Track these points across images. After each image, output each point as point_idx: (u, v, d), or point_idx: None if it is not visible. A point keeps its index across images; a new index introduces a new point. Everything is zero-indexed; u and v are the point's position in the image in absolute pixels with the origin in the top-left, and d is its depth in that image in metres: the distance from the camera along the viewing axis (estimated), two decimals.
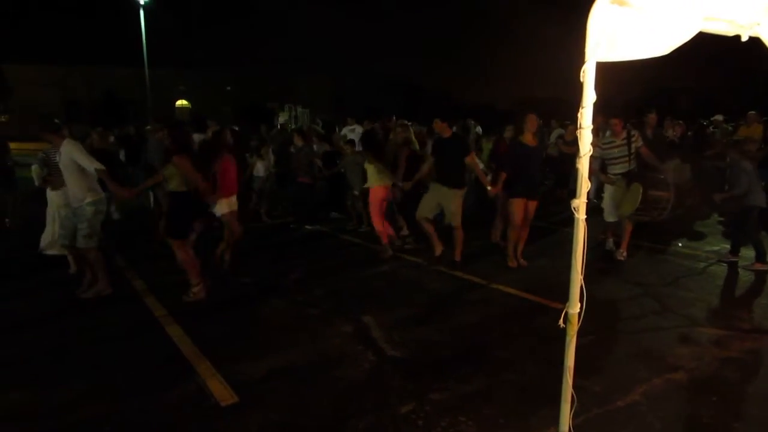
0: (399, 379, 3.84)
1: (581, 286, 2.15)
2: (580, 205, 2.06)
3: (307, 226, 9.04)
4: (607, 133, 7.11)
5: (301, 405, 3.51)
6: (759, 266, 6.17)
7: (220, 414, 3.41)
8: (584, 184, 2.05)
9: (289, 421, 3.32)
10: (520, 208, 6.33)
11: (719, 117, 13.07)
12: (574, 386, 2.35)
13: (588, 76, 2.04)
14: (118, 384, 3.83)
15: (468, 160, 6.46)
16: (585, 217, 2.10)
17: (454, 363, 4.07)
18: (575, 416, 3.06)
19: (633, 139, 6.58)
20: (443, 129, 6.51)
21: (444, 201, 6.49)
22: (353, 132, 11.89)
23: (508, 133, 8.39)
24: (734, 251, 6.50)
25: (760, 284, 5.79)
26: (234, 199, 6.53)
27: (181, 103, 49.27)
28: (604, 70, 2.34)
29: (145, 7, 30.05)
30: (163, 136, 8.08)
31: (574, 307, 2.18)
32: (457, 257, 6.61)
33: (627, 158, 6.60)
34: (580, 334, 2.38)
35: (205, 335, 4.61)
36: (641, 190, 6.09)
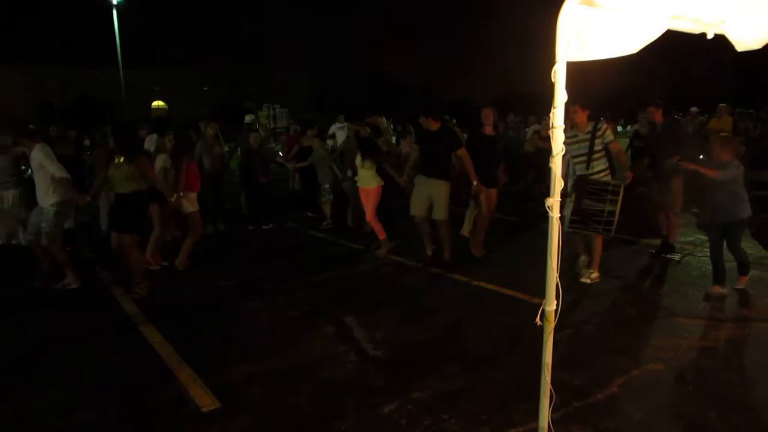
0: (382, 378, 3.85)
1: (557, 284, 2.18)
2: (553, 203, 2.08)
3: (264, 227, 9.03)
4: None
5: (283, 408, 3.50)
6: (718, 289, 5.22)
7: (201, 420, 3.38)
8: (557, 183, 2.08)
9: (272, 424, 3.31)
10: (484, 194, 6.65)
11: (694, 109, 13.31)
12: (555, 380, 2.38)
13: (559, 76, 2.06)
14: (96, 391, 3.78)
15: (460, 152, 6.47)
16: (559, 215, 2.12)
17: (436, 361, 4.09)
18: (556, 410, 3.11)
19: (599, 133, 5.58)
20: (429, 123, 6.57)
21: (432, 192, 6.48)
22: (342, 129, 11.97)
23: (487, 129, 8.44)
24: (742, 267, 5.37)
25: (734, 274, 5.90)
26: (195, 197, 6.76)
27: (157, 103, 48.58)
28: (580, 65, 2.37)
29: (117, 6, 29.57)
30: (146, 135, 8.07)
31: (551, 305, 2.21)
32: (447, 256, 6.62)
33: (586, 156, 5.62)
34: (560, 328, 2.42)
35: (185, 340, 4.57)
36: (573, 199, 5.40)
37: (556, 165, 2.08)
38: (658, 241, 6.94)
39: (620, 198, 5.09)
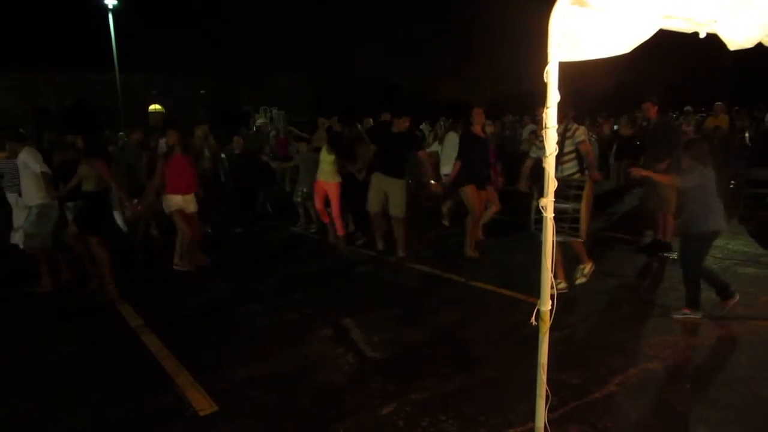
0: (380, 380, 3.84)
1: (552, 284, 2.18)
2: (548, 203, 2.09)
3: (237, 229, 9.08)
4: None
5: (281, 411, 3.49)
6: (688, 312, 4.70)
7: (199, 424, 3.38)
8: (551, 183, 2.08)
9: (269, 427, 3.31)
10: (474, 194, 6.58)
11: (688, 108, 13.33)
12: (553, 380, 2.39)
13: (551, 76, 2.06)
14: (94, 396, 3.78)
15: (421, 153, 7.04)
16: (554, 215, 2.13)
17: (434, 362, 4.09)
18: (554, 409, 3.12)
19: (569, 134, 5.37)
20: (400, 124, 6.84)
21: (388, 190, 6.76)
22: None
23: (489, 128, 8.48)
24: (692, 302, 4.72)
25: (730, 272, 5.92)
26: (184, 198, 6.41)
27: (154, 107, 48.51)
28: (576, 64, 2.37)
29: (113, 11, 29.54)
30: (140, 138, 8.11)
31: (546, 305, 2.21)
32: (401, 252, 6.84)
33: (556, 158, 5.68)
34: (557, 327, 2.41)
35: (182, 344, 4.56)
36: (535, 198, 5.18)
37: (550, 165, 2.08)
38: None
39: (586, 194, 4.80)
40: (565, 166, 5.40)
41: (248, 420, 3.39)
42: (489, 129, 8.57)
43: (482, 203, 6.87)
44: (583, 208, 4.78)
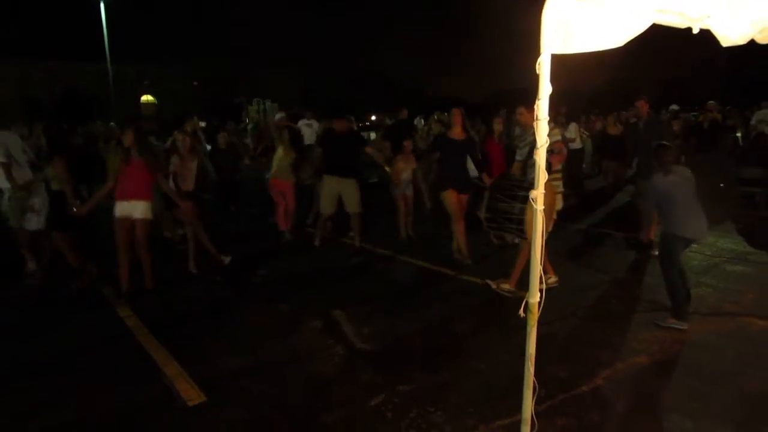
0: (369, 372, 3.85)
1: (541, 276, 2.19)
2: (538, 196, 2.09)
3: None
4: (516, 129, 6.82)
5: (270, 401, 3.49)
6: (673, 322, 4.45)
7: (188, 414, 3.37)
8: (542, 176, 2.08)
9: (258, 418, 3.30)
10: (452, 200, 6.31)
11: (675, 107, 13.39)
12: (541, 373, 2.40)
13: (543, 68, 2.06)
14: (81, 386, 3.76)
15: (367, 150, 7.27)
16: (543, 208, 2.13)
17: (423, 354, 4.10)
18: (542, 401, 3.14)
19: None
20: (341, 125, 7.05)
21: (341, 190, 6.92)
22: (310, 127, 11.82)
23: (498, 126, 8.18)
24: (676, 312, 4.50)
25: (719, 269, 5.97)
26: (130, 204, 5.59)
27: (146, 98, 48.17)
28: (568, 61, 2.37)
29: (105, 1, 29.25)
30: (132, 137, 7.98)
31: (534, 297, 2.22)
32: (357, 243, 7.05)
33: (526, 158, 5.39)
34: (547, 321, 2.43)
35: (172, 334, 4.55)
36: (487, 196, 5.09)
37: (541, 157, 2.08)
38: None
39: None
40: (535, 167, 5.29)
41: (237, 410, 3.39)
42: (497, 127, 8.07)
43: (463, 208, 6.46)
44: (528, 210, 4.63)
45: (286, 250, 7.41)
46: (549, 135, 5.09)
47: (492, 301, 5.19)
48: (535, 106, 2.08)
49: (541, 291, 2.22)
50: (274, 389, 3.64)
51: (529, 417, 2.27)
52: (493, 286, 5.29)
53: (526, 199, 4.68)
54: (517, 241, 5.22)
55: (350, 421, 3.24)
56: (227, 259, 6.49)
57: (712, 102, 12.29)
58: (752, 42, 2.59)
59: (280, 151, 7.65)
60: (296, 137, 8.07)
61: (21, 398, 3.64)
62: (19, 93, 42.33)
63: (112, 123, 17.70)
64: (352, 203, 6.94)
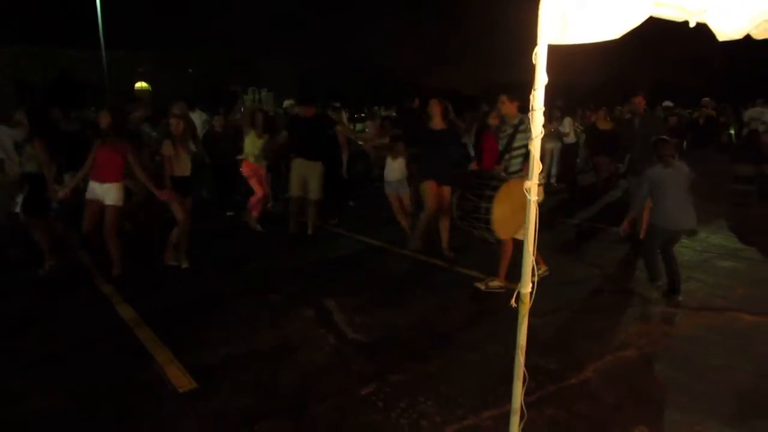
0: (360, 361, 3.86)
1: (533, 267, 2.19)
2: (531, 186, 2.09)
3: (228, 213, 8.96)
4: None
5: (261, 390, 3.49)
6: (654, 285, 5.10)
7: (178, 400, 3.37)
8: (536, 166, 2.08)
9: (248, 406, 3.30)
10: (430, 191, 6.25)
11: (668, 103, 13.39)
12: (531, 365, 2.41)
13: (540, 58, 2.05)
14: (71, 372, 3.75)
15: (338, 128, 7.55)
16: (537, 198, 2.13)
17: (414, 345, 4.11)
18: (531, 393, 3.15)
19: (522, 128, 5.02)
20: (306, 110, 7.31)
21: (307, 173, 7.15)
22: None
23: (494, 120, 8.06)
24: (651, 275, 5.16)
25: (709, 265, 6.01)
26: (101, 187, 5.62)
27: (141, 85, 47.72)
28: (564, 55, 2.36)
29: None
30: (142, 116, 7.83)
31: (526, 287, 2.22)
32: (310, 230, 7.36)
33: (504, 152, 5.22)
34: (538, 314, 2.43)
35: (163, 323, 4.54)
36: (457, 194, 5.05)
37: (535, 148, 2.08)
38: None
39: (497, 197, 4.59)
40: (513, 161, 5.12)
41: (227, 398, 3.39)
42: (493, 122, 7.88)
43: (445, 200, 6.28)
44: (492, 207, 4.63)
45: (278, 240, 7.39)
46: (527, 131, 4.89)
47: (484, 293, 5.21)
48: (531, 97, 2.07)
49: (532, 282, 2.22)
50: (265, 377, 3.64)
51: (519, 407, 2.28)
52: (483, 287, 5.23)
53: (491, 199, 4.61)
54: (492, 240, 5.18)
55: (341, 409, 3.25)
56: (184, 264, 6.06)
57: (707, 99, 12.33)
58: (745, 40, 2.59)
59: (253, 136, 7.69)
60: (269, 122, 8.04)
61: (10, 383, 3.63)
62: (10, 78, 41.87)
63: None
64: (313, 188, 7.20)
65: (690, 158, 9.31)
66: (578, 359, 3.81)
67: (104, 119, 5.87)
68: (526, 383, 2.28)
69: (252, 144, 7.71)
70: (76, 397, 3.42)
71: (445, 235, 6.41)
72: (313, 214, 7.38)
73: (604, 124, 10.85)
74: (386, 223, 7.62)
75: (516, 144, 5.08)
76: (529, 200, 2.11)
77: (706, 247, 6.63)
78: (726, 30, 2.51)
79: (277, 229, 7.71)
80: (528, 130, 4.83)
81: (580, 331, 4.36)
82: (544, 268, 5.27)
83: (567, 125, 11.44)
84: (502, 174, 5.13)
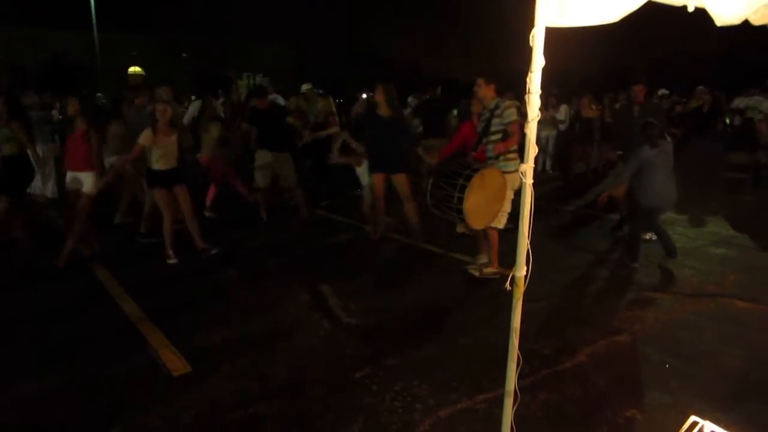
0: (354, 345, 3.87)
1: (528, 250, 2.19)
2: (527, 169, 2.08)
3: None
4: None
5: (255, 373, 3.50)
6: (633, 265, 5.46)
7: (173, 384, 3.38)
8: (532, 149, 2.07)
9: (243, 389, 3.31)
10: (377, 182, 6.23)
11: (664, 91, 13.33)
12: (525, 349, 2.43)
13: (537, 40, 2.03)
14: (66, 355, 3.74)
15: (289, 120, 7.49)
16: (533, 181, 2.12)
17: (409, 329, 4.13)
18: (525, 377, 3.18)
19: (497, 112, 4.93)
20: (261, 103, 7.39)
21: (276, 164, 7.24)
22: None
23: (477, 106, 7.98)
24: (631, 255, 5.49)
25: (702, 252, 6.05)
26: (77, 176, 5.64)
27: (134, 69, 47.28)
28: (559, 43, 2.33)
29: None
30: (145, 102, 7.67)
31: (521, 270, 2.22)
32: (305, 213, 7.50)
33: (482, 137, 5.13)
34: (532, 299, 2.44)
35: (157, 306, 4.53)
36: (430, 182, 4.97)
37: (531, 131, 2.07)
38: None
39: (470, 186, 4.49)
40: (490, 147, 5.00)
41: (222, 381, 3.39)
42: (476, 108, 7.66)
43: (402, 187, 6.28)
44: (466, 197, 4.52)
45: (275, 226, 7.38)
46: (503, 116, 4.91)
47: (479, 279, 5.22)
48: (528, 79, 2.05)
49: (527, 264, 2.23)
50: (259, 361, 3.65)
51: (513, 389, 2.29)
52: (477, 274, 5.23)
53: (464, 189, 4.54)
54: (501, 227, 5.16)
55: (335, 393, 3.26)
56: (172, 260, 5.73)
57: (701, 87, 12.29)
58: (741, 26, 2.58)
59: (213, 128, 7.60)
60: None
61: (3, 366, 3.63)
62: (3, 62, 41.36)
63: (99, 94, 17.38)
64: (287, 177, 7.35)
65: (692, 148, 9.36)
66: (571, 344, 3.83)
67: (72, 107, 5.73)
68: (520, 366, 2.29)
69: (210, 137, 7.57)
70: (71, 380, 3.42)
71: (415, 218, 6.31)
72: (299, 198, 7.47)
73: (588, 112, 10.71)
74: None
75: (493, 129, 4.97)
76: (524, 183, 2.11)
77: (700, 235, 6.67)
78: (724, 15, 2.49)
79: (272, 215, 7.68)
80: (503, 115, 4.88)
81: (574, 316, 4.39)
82: (495, 269, 5.18)
83: (563, 113, 11.41)
84: (477, 163, 4.97)
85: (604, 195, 5.63)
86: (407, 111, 12.44)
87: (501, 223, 5.06)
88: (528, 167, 2.08)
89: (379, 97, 6.14)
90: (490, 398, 3.15)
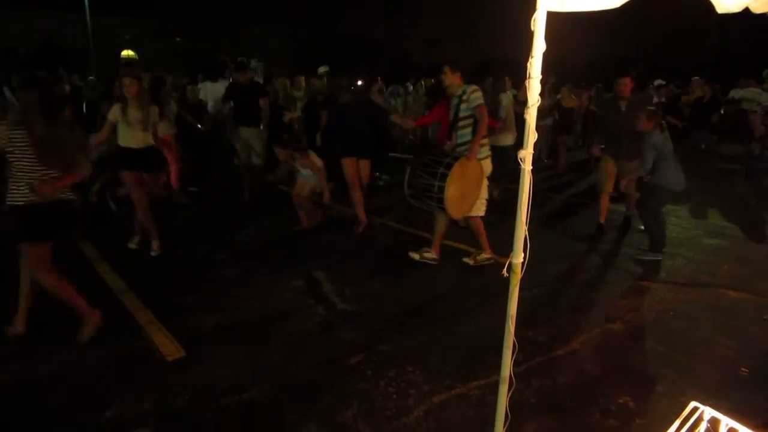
0: (349, 331, 3.87)
1: (525, 237, 2.18)
2: (526, 155, 2.07)
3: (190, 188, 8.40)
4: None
5: (249, 358, 3.50)
6: (652, 256, 5.36)
7: (166, 368, 3.37)
8: (531, 135, 2.05)
9: (236, 373, 3.31)
10: (348, 167, 6.22)
11: (660, 81, 13.29)
12: (519, 337, 2.42)
13: (538, 24, 2.01)
14: (58, 340, 3.72)
15: (262, 101, 7.37)
16: (531, 168, 2.11)
17: (403, 316, 4.13)
18: (519, 364, 3.17)
19: (464, 97, 4.92)
20: (240, 77, 7.48)
21: (249, 139, 7.39)
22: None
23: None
24: (655, 247, 5.39)
25: (695, 242, 6.07)
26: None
27: (127, 53, 46.69)
28: (556, 30, 2.30)
29: None
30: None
31: (518, 257, 2.22)
32: (246, 197, 7.62)
33: (450, 124, 5.13)
34: (526, 287, 2.44)
35: (151, 292, 4.50)
36: (408, 170, 4.95)
37: (531, 117, 2.05)
38: (623, 209, 7.00)
39: (451, 174, 4.52)
40: (461, 132, 4.98)
41: (215, 366, 3.39)
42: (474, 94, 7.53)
43: (365, 174, 6.45)
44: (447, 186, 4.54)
45: (267, 212, 7.34)
46: (469, 100, 4.89)
47: (473, 266, 5.22)
48: (528, 64, 2.03)
49: (525, 251, 2.22)
50: (253, 346, 3.65)
51: (508, 375, 2.29)
52: (471, 262, 5.22)
53: (444, 177, 4.56)
54: (482, 214, 5.16)
55: (329, 378, 3.26)
56: (156, 250, 5.46)
57: (696, 78, 12.28)
58: (740, 15, 2.55)
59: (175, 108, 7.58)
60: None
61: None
62: None
63: (91, 77, 17.15)
64: (255, 154, 7.45)
65: (692, 139, 9.34)
66: (565, 332, 3.85)
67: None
68: (515, 354, 2.29)
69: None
70: (64, 364, 3.40)
71: (359, 208, 6.38)
72: (251, 178, 7.63)
73: (568, 102, 10.56)
74: (373, 197, 7.59)
75: (462, 114, 4.97)
76: (523, 170, 2.09)
77: (693, 225, 6.70)
78: (725, 2, 2.47)
79: (268, 200, 7.65)
80: (470, 99, 4.90)
81: (568, 304, 4.41)
82: (488, 255, 5.22)
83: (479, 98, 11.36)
84: (454, 150, 5.00)
85: (626, 180, 5.70)
86: (407, 97, 12.32)
87: (481, 210, 5.09)
88: (527, 153, 2.06)
89: (340, 84, 6.43)
90: (483, 384, 3.17)
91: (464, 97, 4.93)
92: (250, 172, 7.71)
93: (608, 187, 6.17)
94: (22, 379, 3.26)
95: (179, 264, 5.27)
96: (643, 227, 5.74)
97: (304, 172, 6.34)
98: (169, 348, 3.58)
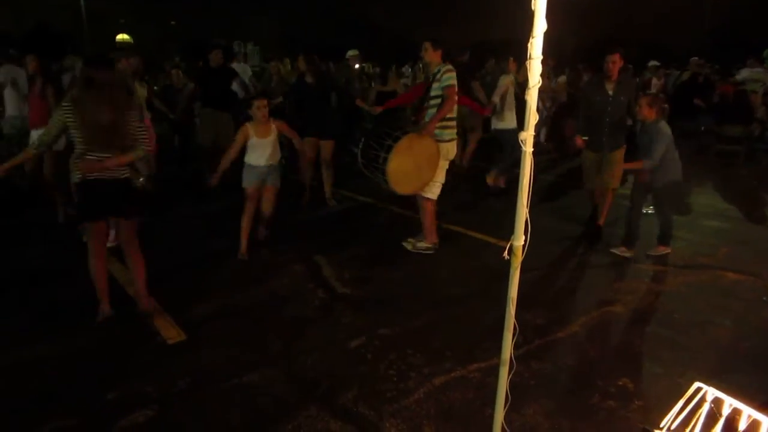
0: (349, 315, 3.88)
1: (526, 219, 2.17)
2: (527, 137, 2.04)
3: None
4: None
5: (250, 342, 3.50)
6: (662, 249, 5.07)
7: (167, 352, 3.38)
8: (532, 116, 2.03)
9: (237, 357, 3.31)
10: (307, 146, 6.20)
11: (655, 63, 13.16)
12: (518, 320, 2.42)
13: (539, 3, 1.98)
14: (59, 323, 3.72)
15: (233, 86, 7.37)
16: (533, 150, 2.09)
17: (403, 299, 4.14)
18: (518, 347, 3.17)
19: (438, 76, 4.80)
20: (215, 59, 7.16)
21: (218, 122, 7.10)
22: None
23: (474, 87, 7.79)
24: (665, 240, 5.09)
25: (695, 224, 6.07)
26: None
27: (122, 37, 46.22)
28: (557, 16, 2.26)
29: None
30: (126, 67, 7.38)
31: (519, 240, 2.21)
32: (214, 182, 7.30)
33: (423, 104, 5.00)
34: (526, 270, 2.43)
35: (150, 275, 4.48)
36: (363, 141, 4.91)
37: (532, 98, 2.02)
38: (626, 191, 6.96)
39: (397, 147, 4.50)
40: (429, 111, 4.85)
41: (216, 350, 3.39)
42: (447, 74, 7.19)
43: (326, 153, 6.61)
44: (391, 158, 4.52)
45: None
46: (441, 79, 4.77)
47: (472, 249, 5.24)
48: (529, 45, 2.00)
49: (525, 233, 2.21)
50: (253, 330, 3.65)
51: (508, 358, 2.29)
52: (409, 247, 5.15)
53: (390, 149, 4.53)
54: (434, 197, 5.03)
55: (330, 361, 3.27)
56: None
57: (695, 58, 12.14)
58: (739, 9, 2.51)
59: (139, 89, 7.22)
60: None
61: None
62: None
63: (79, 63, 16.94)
64: (223, 138, 6.93)
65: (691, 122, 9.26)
66: (565, 314, 3.86)
67: (31, 65, 5.75)
68: (515, 336, 2.29)
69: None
70: (65, 347, 3.40)
71: (327, 187, 6.75)
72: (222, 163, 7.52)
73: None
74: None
75: (432, 93, 4.84)
76: (524, 152, 2.07)
77: (693, 207, 6.68)
78: None
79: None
80: (441, 79, 4.78)
81: (568, 287, 4.42)
82: (435, 242, 5.14)
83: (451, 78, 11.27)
84: (413, 126, 4.96)
85: (642, 176, 5.05)
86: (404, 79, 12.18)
87: (434, 193, 4.99)
88: (528, 135, 2.04)
89: (301, 64, 6.57)
90: (483, 367, 3.18)
91: (438, 76, 4.81)
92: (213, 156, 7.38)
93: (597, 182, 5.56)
94: (25, 362, 3.26)
95: (179, 249, 5.27)
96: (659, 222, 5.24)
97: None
98: (170, 332, 3.58)
